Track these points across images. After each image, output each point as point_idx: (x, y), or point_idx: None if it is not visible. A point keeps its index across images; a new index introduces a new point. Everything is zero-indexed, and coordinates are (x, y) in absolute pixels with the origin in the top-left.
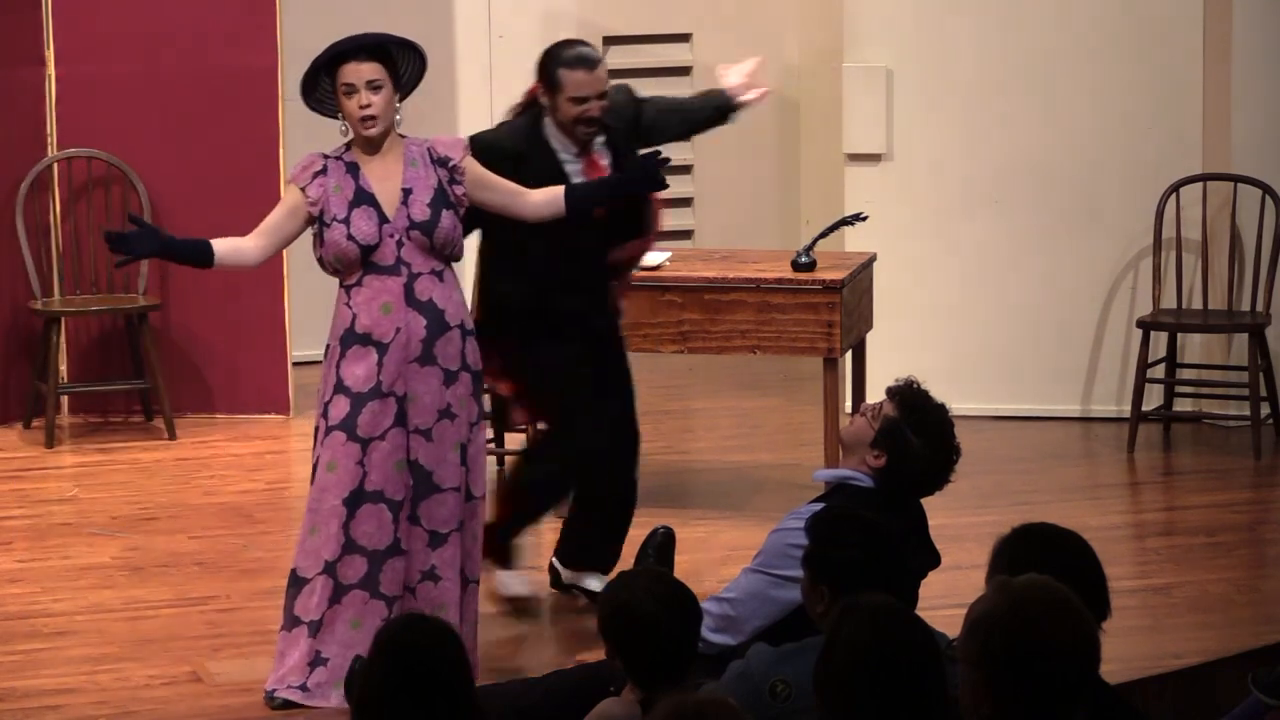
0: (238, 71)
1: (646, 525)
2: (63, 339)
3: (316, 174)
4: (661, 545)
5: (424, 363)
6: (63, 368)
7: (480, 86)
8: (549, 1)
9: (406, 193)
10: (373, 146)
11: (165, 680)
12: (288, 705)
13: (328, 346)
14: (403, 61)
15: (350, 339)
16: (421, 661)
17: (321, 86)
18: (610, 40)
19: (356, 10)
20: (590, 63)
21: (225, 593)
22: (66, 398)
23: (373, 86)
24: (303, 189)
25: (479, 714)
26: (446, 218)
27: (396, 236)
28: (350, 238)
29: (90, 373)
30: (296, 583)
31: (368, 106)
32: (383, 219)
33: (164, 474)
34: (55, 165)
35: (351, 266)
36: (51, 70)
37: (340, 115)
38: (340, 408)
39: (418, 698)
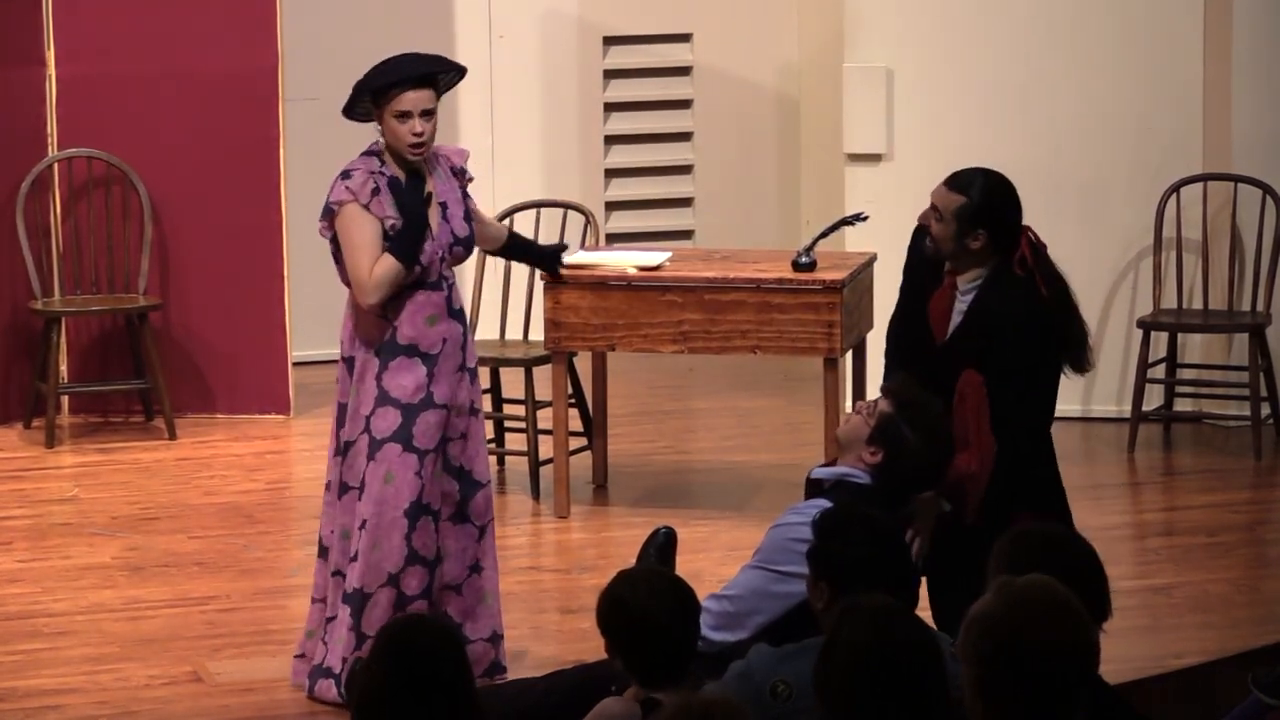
0: (238, 71)
1: (648, 525)
2: (63, 339)
3: (374, 192)
4: (663, 546)
5: (461, 369)
6: (63, 368)
7: (480, 86)
8: (549, 1)
9: (443, 207)
10: (410, 164)
11: (165, 680)
12: None
13: (350, 358)
14: (444, 83)
15: (392, 350)
16: (422, 662)
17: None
18: (610, 40)
19: (356, 10)
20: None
21: (225, 593)
22: (67, 398)
23: (426, 115)
24: (365, 206)
25: (479, 714)
26: (472, 229)
27: (440, 253)
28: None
29: (90, 373)
30: (361, 599)
31: (421, 135)
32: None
33: (164, 474)
34: (55, 165)
35: (408, 280)
36: (51, 70)
37: (379, 128)
38: (389, 419)
39: (419, 698)
